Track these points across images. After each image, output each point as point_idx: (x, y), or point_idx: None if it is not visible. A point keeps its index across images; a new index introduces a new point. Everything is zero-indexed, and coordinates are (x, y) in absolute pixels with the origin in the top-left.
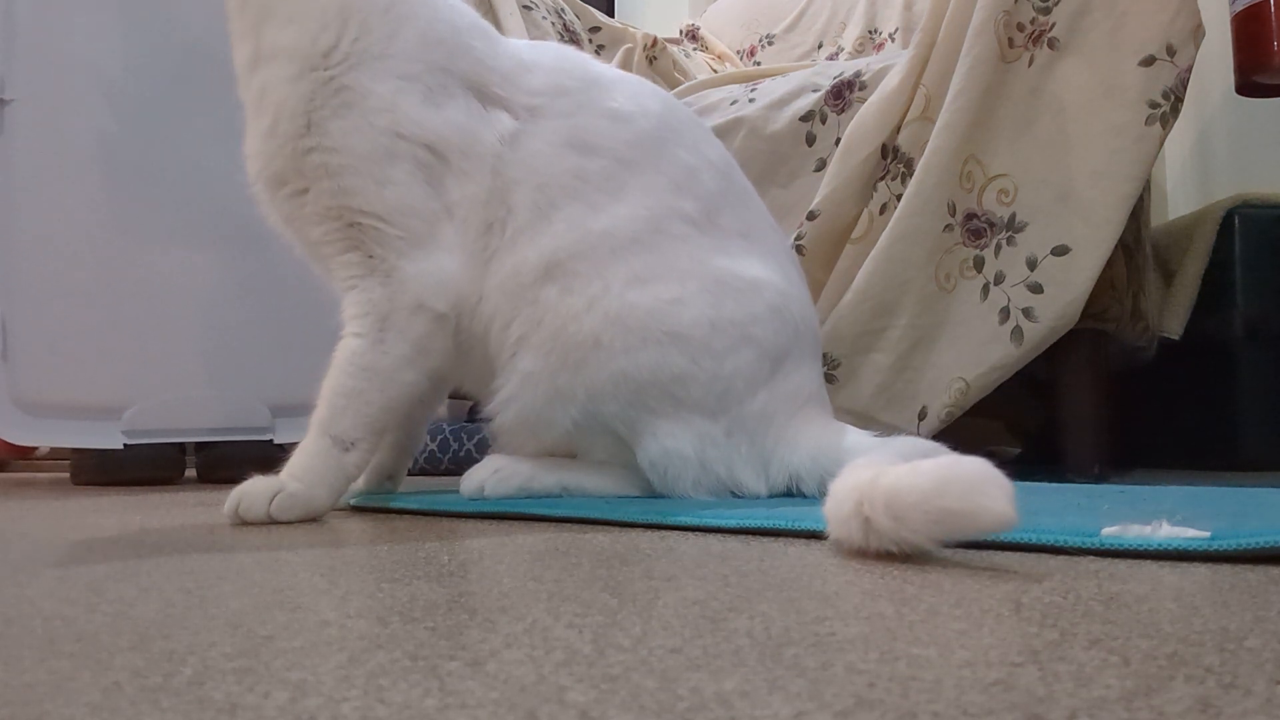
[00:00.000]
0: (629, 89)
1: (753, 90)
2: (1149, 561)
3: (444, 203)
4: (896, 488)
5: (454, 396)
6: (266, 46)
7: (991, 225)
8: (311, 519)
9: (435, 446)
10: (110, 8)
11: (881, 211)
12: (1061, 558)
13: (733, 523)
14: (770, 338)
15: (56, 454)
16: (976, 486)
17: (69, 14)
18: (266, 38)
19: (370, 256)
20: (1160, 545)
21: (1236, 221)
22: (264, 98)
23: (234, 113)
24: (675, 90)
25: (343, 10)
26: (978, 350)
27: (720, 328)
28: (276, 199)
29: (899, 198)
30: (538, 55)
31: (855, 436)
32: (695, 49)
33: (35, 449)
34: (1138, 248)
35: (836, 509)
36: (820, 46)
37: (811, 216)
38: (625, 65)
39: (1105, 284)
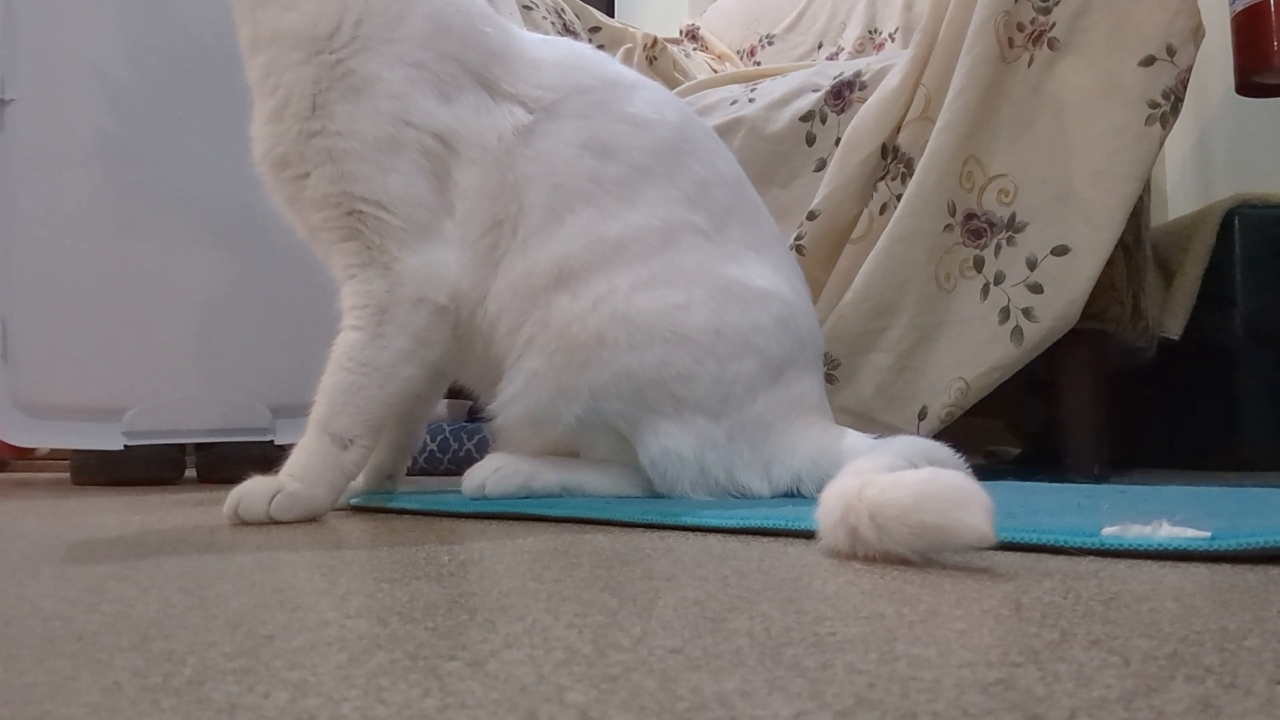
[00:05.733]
0: (649, 95)
1: (753, 90)
2: (1149, 561)
3: (448, 195)
4: (879, 500)
5: (454, 395)
6: (265, 31)
7: (991, 225)
8: (311, 519)
9: (435, 446)
10: (111, 8)
11: (881, 211)
12: (1061, 558)
13: (733, 523)
14: (773, 348)
15: (56, 454)
16: (957, 502)
17: (70, 14)
18: (265, 22)
19: (369, 247)
20: (1160, 545)
21: (1236, 221)
22: (267, 80)
23: (234, 113)
24: (675, 90)
25: None
26: (978, 350)
27: (725, 335)
28: (279, 181)
29: (899, 198)
30: (552, 50)
31: (854, 438)
32: (695, 49)
33: (35, 449)
34: (1138, 248)
35: (826, 516)
36: (820, 46)
37: (811, 216)
38: (625, 65)
39: (1105, 284)
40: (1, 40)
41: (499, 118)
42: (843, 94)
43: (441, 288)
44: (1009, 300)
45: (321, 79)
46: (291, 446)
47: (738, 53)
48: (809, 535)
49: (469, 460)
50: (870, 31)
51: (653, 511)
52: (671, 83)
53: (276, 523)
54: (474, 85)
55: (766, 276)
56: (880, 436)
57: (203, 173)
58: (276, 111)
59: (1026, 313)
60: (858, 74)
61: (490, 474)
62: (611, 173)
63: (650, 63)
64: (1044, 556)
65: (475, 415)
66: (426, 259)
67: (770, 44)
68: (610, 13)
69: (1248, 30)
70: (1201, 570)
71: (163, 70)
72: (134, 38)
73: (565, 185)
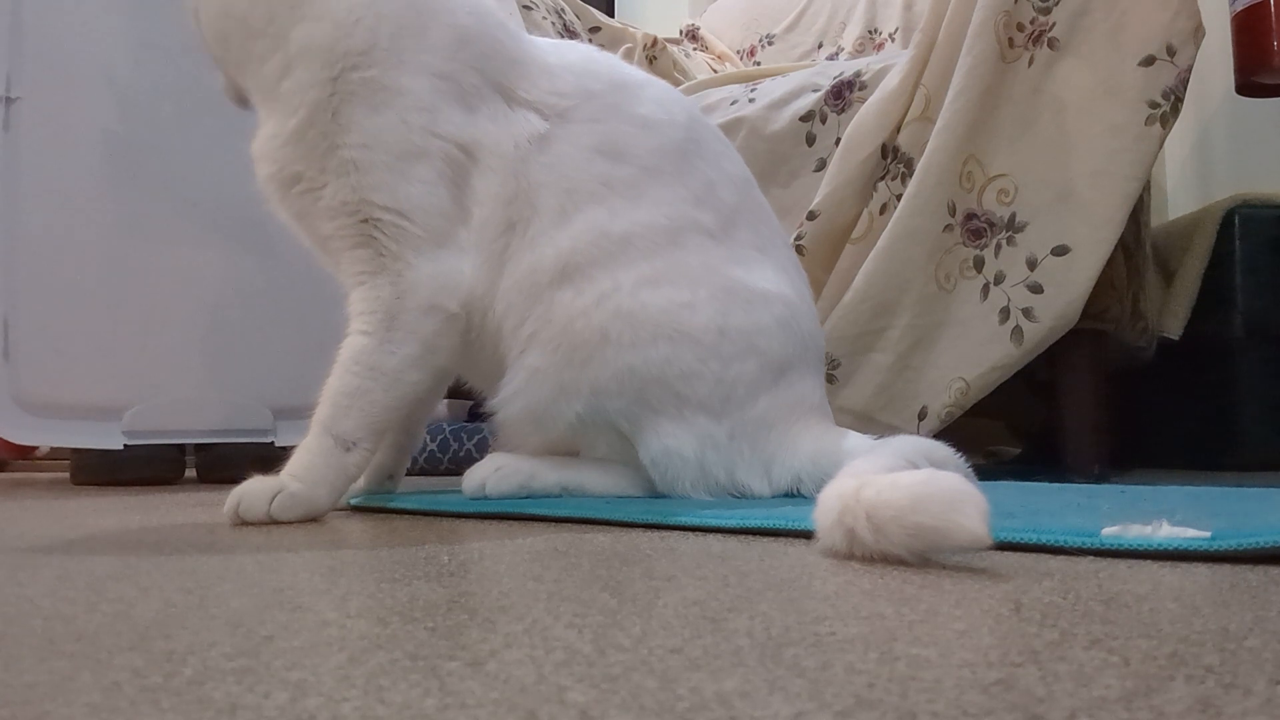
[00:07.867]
0: (657, 95)
1: (753, 90)
2: (1149, 561)
3: (465, 202)
4: (875, 501)
5: (454, 395)
6: (295, 48)
7: (991, 225)
8: (312, 519)
9: (435, 446)
10: (117, 7)
11: (881, 211)
12: (1061, 558)
13: (733, 523)
14: (776, 350)
15: (56, 454)
16: (952, 504)
17: (76, 12)
18: (297, 40)
19: (381, 254)
20: (1160, 545)
21: (1236, 221)
22: (291, 99)
23: (240, 114)
24: None
25: (373, 5)
26: (978, 350)
27: (728, 335)
28: (288, 196)
29: (899, 198)
30: (564, 55)
31: (855, 439)
32: (695, 49)
33: (35, 449)
34: (1138, 248)
35: (823, 517)
36: (820, 46)
37: (811, 216)
38: None
39: (1105, 284)
40: (8, 38)
41: (516, 125)
42: (843, 94)
43: (454, 295)
44: (1009, 300)
45: (355, 93)
46: (292, 448)
47: (738, 53)
48: (808, 535)
49: (469, 460)
50: (870, 31)
51: (653, 511)
52: (671, 83)
53: (277, 523)
54: (493, 94)
55: (771, 278)
56: (880, 437)
57: (207, 173)
58: (299, 131)
59: (1026, 313)
60: (858, 74)
61: (490, 473)
62: (621, 174)
63: (650, 63)
64: (1044, 556)
65: (475, 415)
66: (441, 266)
67: (770, 44)
68: (610, 13)
69: (1248, 30)
70: (1201, 570)
71: (168, 70)
72: (140, 37)
73: (577, 188)
